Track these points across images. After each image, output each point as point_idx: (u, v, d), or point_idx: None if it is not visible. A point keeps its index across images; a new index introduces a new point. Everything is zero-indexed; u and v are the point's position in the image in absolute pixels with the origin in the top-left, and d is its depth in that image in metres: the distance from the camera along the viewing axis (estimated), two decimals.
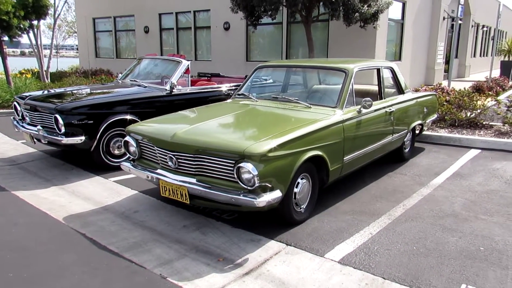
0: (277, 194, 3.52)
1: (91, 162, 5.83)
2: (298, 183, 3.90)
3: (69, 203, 4.61)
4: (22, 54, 66.29)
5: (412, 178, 5.36)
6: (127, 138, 4.41)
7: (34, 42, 14.24)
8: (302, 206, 4.02)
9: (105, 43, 20.83)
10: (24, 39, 14.35)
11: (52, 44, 15.25)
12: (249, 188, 3.45)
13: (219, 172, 3.65)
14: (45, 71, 14.57)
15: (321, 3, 10.64)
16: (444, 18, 16.60)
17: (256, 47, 15.40)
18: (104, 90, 6.47)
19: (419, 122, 6.21)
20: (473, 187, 5.00)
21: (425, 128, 6.65)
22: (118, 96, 5.98)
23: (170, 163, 3.94)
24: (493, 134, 7.12)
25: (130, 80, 6.93)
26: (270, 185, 3.49)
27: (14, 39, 13.06)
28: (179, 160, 3.86)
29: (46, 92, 6.77)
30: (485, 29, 24.78)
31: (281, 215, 3.88)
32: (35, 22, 13.35)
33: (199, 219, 4.14)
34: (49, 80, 14.52)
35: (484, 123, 7.66)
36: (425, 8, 15.49)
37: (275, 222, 3.98)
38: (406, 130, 5.84)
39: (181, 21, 17.09)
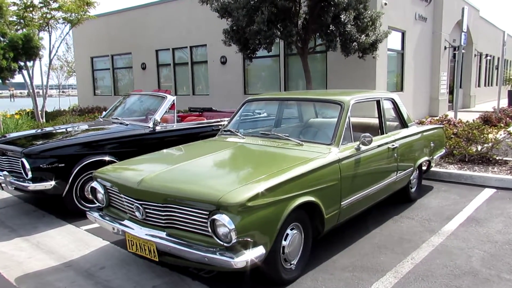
0: (259, 251, 2.95)
1: (65, 208, 5.28)
2: (287, 234, 3.32)
3: (29, 258, 4.05)
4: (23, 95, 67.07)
5: (421, 223, 4.72)
6: (94, 183, 3.88)
7: (29, 82, 14.03)
8: (292, 262, 3.42)
9: (103, 81, 20.72)
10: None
11: (48, 84, 14.93)
12: (225, 244, 2.88)
13: (191, 224, 3.10)
14: (40, 110, 14.25)
15: (317, 34, 10.31)
16: (445, 48, 16.29)
17: (254, 80, 15.10)
18: (83, 129, 6.01)
19: (426, 158, 5.63)
20: (492, 236, 4.32)
21: (432, 164, 6.06)
22: (94, 136, 5.47)
23: (137, 214, 3.39)
24: (508, 172, 6.42)
25: (112, 118, 6.47)
26: (251, 240, 2.92)
27: (7, 81, 12.89)
28: (146, 210, 3.32)
29: (27, 132, 6.38)
30: (488, 58, 24.49)
31: (266, 274, 3.27)
32: (28, 63, 13.20)
33: (172, 277, 3.55)
34: (44, 119, 14.19)
35: (497, 158, 7.01)
36: (425, 37, 15.19)
37: (260, 282, 3.37)
38: (412, 168, 5.25)
39: (178, 57, 16.92)
